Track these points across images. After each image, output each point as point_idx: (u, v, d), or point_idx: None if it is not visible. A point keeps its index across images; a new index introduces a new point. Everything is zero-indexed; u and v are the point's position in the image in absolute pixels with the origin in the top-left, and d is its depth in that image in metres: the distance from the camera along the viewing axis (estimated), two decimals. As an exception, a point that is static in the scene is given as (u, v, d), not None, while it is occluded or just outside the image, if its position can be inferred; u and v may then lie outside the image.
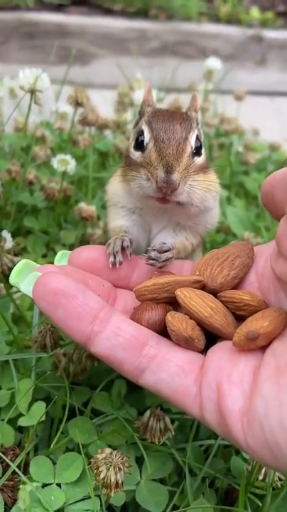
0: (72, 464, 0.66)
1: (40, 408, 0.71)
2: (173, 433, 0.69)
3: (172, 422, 0.71)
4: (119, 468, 0.58)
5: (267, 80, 3.16)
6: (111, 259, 0.69)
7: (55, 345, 0.72)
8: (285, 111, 2.88)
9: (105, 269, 0.70)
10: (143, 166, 0.67)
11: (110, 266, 0.69)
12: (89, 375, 0.79)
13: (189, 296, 0.60)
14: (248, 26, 3.21)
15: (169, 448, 0.72)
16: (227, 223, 1.22)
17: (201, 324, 0.60)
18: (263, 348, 0.55)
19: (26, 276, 0.64)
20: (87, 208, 1.10)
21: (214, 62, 1.60)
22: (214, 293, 0.63)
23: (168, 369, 0.56)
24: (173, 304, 0.63)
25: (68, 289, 0.57)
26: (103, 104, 1.91)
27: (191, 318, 0.61)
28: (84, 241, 1.13)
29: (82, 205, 1.11)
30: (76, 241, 1.12)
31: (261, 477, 0.70)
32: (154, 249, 0.69)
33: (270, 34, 3.18)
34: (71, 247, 1.13)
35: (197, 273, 0.65)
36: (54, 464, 0.67)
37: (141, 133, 0.70)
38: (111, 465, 0.58)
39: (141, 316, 0.62)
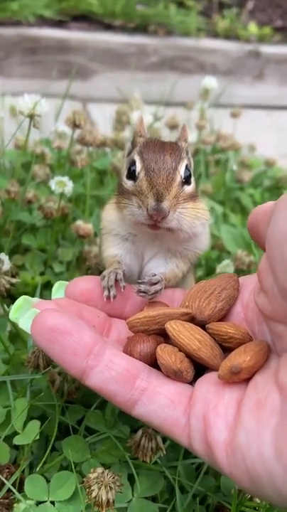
0: (66, 483, 0.67)
1: (34, 427, 0.72)
2: (165, 452, 0.71)
3: (164, 440, 0.73)
4: (110, 487, 0.60)
5: (265, 94, 3.21)
6: (106, 293, 0.73)
7: (48, 365, 0.75)
8: (283, 125, 2.92)
9: (100, 299, 0.74)
10: (135, 195, 0.71)
11: (105, 299, 0.73)
12: (83, 394, 0.81)
13: (178, 330, 0.64)
14: (246, 41, 3.27)
15: (160, 466, 0.73)
16: (221, 240, 1.25)
17: (190, 356, 0.63)
18: (247, 380, 0.58)
19: (25, 313, 0.67)
20: (84, 225, 1.13)
21: (210, 81, 1.64)
22: (203, 324, 0.67)
23: (158, 401, 0.59)
24: (164, 334, 0.67)
25: (64, 326, 0.60)
26: (102, 119, 1.95)
27: (180, 351, 0.64)
28: (81, 258, 1.16)
29: (79, 223, 1.14)
30: (73, 258, 1.15)
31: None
32: (144, 282, 0.73)
33: (267, 49, 3.24)
34: (68, 265, 1.16)
35: (187, 304, 0.69)
36: (48, 481, 0.69)
37: (132, 163, 0.73)
38: (102, 484, 0.60)
39: (133, 348, 0.65)
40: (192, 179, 0.76)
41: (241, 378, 0.58)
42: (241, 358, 0.58)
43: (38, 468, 0.73)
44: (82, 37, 3.04)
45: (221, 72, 3.14)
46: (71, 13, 3.09)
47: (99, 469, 0.62)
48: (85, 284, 0.75)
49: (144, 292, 0.72)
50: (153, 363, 0.65)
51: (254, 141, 2.06)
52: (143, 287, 0.72)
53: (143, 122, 0.81)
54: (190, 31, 3.19)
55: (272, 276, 0.58)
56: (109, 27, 3.17)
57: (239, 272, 1.12)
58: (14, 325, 0.92)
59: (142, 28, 3.18)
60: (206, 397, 0.58)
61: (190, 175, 0.75)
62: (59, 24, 3.06)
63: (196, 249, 0.81)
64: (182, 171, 0.73)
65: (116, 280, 0.74)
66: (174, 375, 0.62)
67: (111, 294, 0.73)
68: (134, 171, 0.73)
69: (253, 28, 3.36)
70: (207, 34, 3.28)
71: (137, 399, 0.60)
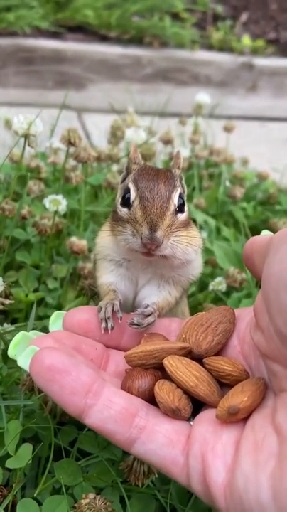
0: (58, 507, 0.67)
1: (27, 450, 0.72)
2: (157, 475, 0.71)
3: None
4: (102, 514, 0.60)
5: (258, 105, 3.24)
6: (103, 325, 0.73)
7: (43, 388, 0.74)
8: (275, 136, 2.95)
9: (97, 330, 0.74)
10: (129, 223, 0.72)
11: (102, 332, 0.73)
12: (77, 415, 0.81)
13: (175, 366, 0.65)
14: (239, 54, 3.31)
15: (152, 489, 0.74)
16: (215, 256, 1.26)
17: (187, 393, 0.64)
18: (245, 419, 0.59)
19: (23, 349, 0.67)
20: (78, 242, 1.13)
21: (203, 97, 1.66)
22: (200, 358, 0.68)
23: (156, 440, 0.60)
24: (162, 368, 0.67)
25: (62, 365, 0.60)
26: (97, 130, 1.96)
27: (178, 387, 0.64)
28: (75, 274, 1.16)
29: (74, 239, 1.15)
30: (67, 274, 1.15)
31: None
32: (137, 314, 0.74)
33: (261, 61, 3.28)
34: (62, 281, 1.16)
35: (183, 336, 0.70)
36: (40, 504, 0.69)
37: (127, 190, 0.74)
38: (94, 510, 0.60)
39: (132, 384, 0.66)
40: (185, 207, 0.77)
41: (239, 418, 0.59)
42: (239, 398, 0.59)
43: (29, 491, 0.73)
44: (78, 48, 3.06)
45: (215, 84, 3.18)
46: (67, 25, 3.11)
47: (91, 495, 0.62)
48: (83, 315, 0.76)
49: (137, 325, 0.73)
50: (151, 398, 0.65)
51: (247, 152, 2.08)
52: (135, 320, 0.73)
53: (137, 150, 0.82)
54: (185, 43, 3.22)
55: (268, 317, 0.58)
56: (104, 38, 3.20)
57: (231, 289, 1.13)
58: (7, 343, 0.92)
59: (137, 40, 3.21)
60: (204, 436, 0.59)
61: (183, 203, 0.76)
62: (55, 35, 3.08)
63: (189, 275, 0.82)
64: (175, 199, 0.74)
65: (113, 311, 0.74)
66: (172, 413, 0.62)
67: (109, 325, 0.73)
68: (128, 198, 0.73)
69: (246, 40, 3.41)
70: (202, 46, 3.32)
71: (135, 438, 0.60)
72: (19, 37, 2.97)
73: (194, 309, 1.01)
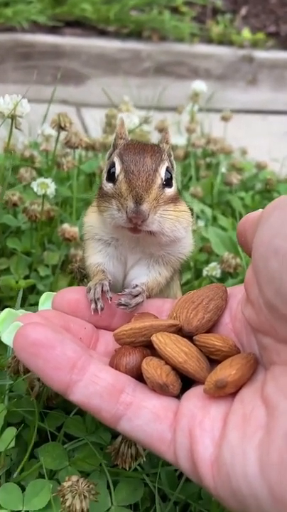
0: (41, 491, 0.65)
1: (10, 433, 0.71)
2: (145, 459, 0.69)
3: (145, 446, 0.71)
4: (85, 496, 0.58)
5: (258, 99, 3.21)
6: (93, 305, 0.71)
7: (28, 371, 0.73)
8: (275, 129, 2.92)
9: (87, 310, 0.72)
10: (115, 197, 0.69)
11: (92, 313, 0.71)
12: (63, 400, 0.79)
13: (164, 342, 0.62)
14: (239, 47, 3.28)
15: (141, 473, 0.71)
16: (210, 243, 1.23)
17: (176, 369, 0.62)
18: (234, 394, 0.57)
19: (8, 326, 0.65)
20: (69, 228, 1.11)
21: (200, 85, 1.63)
22: (190, 336, 0.65)
23: (143, 416, 0.58)
24: (151, 346, 0.65)
25: (46, 340, 0.58)
26: (95, 124, 1.94)
27: (167, 363, 0.62)
28: (67, 262, 1.14)
29: (65, 226, 1.13)
30: (59, 262, 1.13)
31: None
32: (125, 295, 0.71)
33: (261, 54, 3.25)
34: (54, 268, 1.14)
35: (174, 315, 0.68)
36: (24, 490, 0.67)
37: (112, 165, 0.72)
38: (76, 493, 0.58)
39: (119, 361, 0.64)
40: (174, 182, 0.74)
41: (227, 392, 0.57)
42: (227, 371, 0.57)
43: (15, 476, 0.71)
44: (76, 42, 3.05)
45: (215, 77, 3.16)
46: (65, 19, 3.10)
47: (74, 477, 0.60)
48: (72, 294, 0.73)
49: (125, 305, 0.71)
50: (139, 376, 0.63)
51: (247, 145, 2.05)
52: (123, 300, 0.71)
53: (123, 124, 0.79)
54: (184, 37, 3.20)
55: (257, 288, 0.57)
56: (102, 33, 3.18)
57: (226, 274, 1.11)
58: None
59: (136, 34, 3.19)
60: (192, 411, 0.57)
61: (171, 177, 0.73)
62: (53, 30, 3.07)
63: (179, 253, 0.79)
64: (162, 173, 0.71)
65: (102, 292, 0.72)
66: (160, 389, 0.60)
67: (99, 306, 0.71)
68: (114, 173, 0.71)
69: (246, 33, 3.38)
70: (201, 40, 3.30)
71: (122, 414, 0.58)
72: (17, 32, 2.96)
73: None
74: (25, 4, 2.93)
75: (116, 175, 0.70)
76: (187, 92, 1.99)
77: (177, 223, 0.73)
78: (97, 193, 0.78)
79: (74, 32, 3.12)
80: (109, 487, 0.70)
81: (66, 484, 0.59)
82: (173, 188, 0.74)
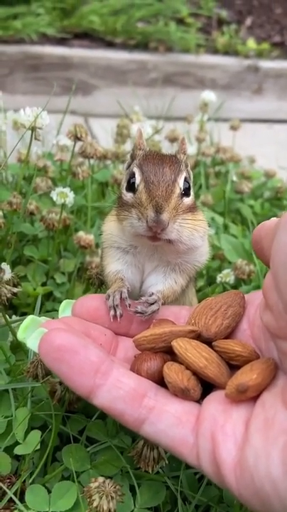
0: (67, 493, 0.67)
1: (35, 437, 0.72)
2: (167, 461, 0.70)
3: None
4: (112, 497, 0.59)
5: (264, 108, 3.25)
6: (112, 312, 0.73)
7: (46, 375, 0.74)
8: (282, 138, 2.95)
9: (106, 317, 0.74)
10: (135, 207, 0.71)
11: (111, 320, 0.73)
12: (85, 404, 0.81)
13: (185, 347, 0.64)
14: (245, 57, 3.32)
15: (162, 476, 0.73)
16: (222, 251, 1.25)
17: (197, 374, 0.63)
18: (255, 398, 0.58)
19: (32, 332, 0.67)
20: (85, 236, 1.14)
21: (209, 95, 1.66)
22: (209, 342, 0.67)
23: (165, 420, 0.59)
24: (171, 352, 0.66)
25: (71, 345, 0.60)
26: (103, 134, 1.98)
27: (187, 369, 0.64)
28: (82, 269, 1.17)
29: (81, 233, 1.15)
30: (75, 269, 1.15)
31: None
32: (141, 302, 0.73)
33: (266, 64, 3.29)
34: (70, 275, 1.16)
35: (193, 321, 0.69)
36: (49, 492, 0.69)
37: (132, 175, 0.74)
38: (103, 494, 0.59)
39: (140, 366, 0.65)
40: (191, 191, 0.77)
41: (249, 397, 0.58)
42: (248, 376, 0.58)
43: (38, 479, 0.72)
44: (84, 54, 3.10)
45: (221, 87, 3.19)
46: (73, 31, 3.15)
47: (100, 479, 0.61)
48: (92, 302, 0.75)
49: (141, 313, 0.72)
50: (160, 381, 0.65)
51: (254, 154, 2.07)
52: (140, 308, 0.72)
53: (142, 135, 0.82)
54: (190, 47, 3.24)
55: (277, 294, 0.58)
56: (110, 44, 3.23)
57: (240, 281, 1.12)
58: (16, 335, 0.92)
59: (143, 45, 3.24)
60: (214, 416, 0.58)
61: (189, 187, 0.75)
62: (61, 42, 3.12)
63: (195, 262, 0.81)
64: (181, 182, 0.73)
65: (121, 299, 0.74)
66: (181, 394, 0.62)
67: (118, 313, 0.73)
68: (133, 183, 0.73)
69: (251, 43, 3.42)
70: (207, 50, 3.34)
71: (144, 418, 0.59)
72: (26, 44, 3.01)
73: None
74: (34, 17, 2.99)
75: (136, 185, 0.73)
76: (193, 102, 2.02)
77: (194, 232, 0.75)
78: (116, 202, 0.80)
79: (82, 43, 3.18)
80: (131, 490, 0.71)
81: (93, 485, 0.60)
82: (191, 197, 0.76)
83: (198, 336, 0.68)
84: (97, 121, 2.87)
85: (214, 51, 3.37)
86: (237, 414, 0.57)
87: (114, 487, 0.60)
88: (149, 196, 0.69)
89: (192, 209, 0.76)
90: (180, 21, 3.47)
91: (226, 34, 3.49)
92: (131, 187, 0.73)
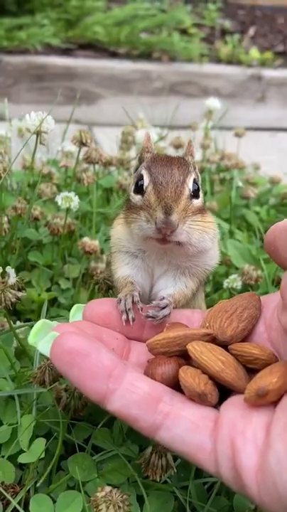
0: (72, 502, 0.65)
1: (40, 445, 0.70)
2: (175, 470, 0.68)
3: (175, 458, 0.70)
4: (119, 507, 0.57)
5: (267, 116, 3.26)
6: (124, 316, 0.71)
7: (54, 381, 0.73)
8: (285, 145, 2.95)
9: (118, 322, 0.72)
10: (143, 209, 0.70)
11: (124, 324, 0.71)
12: (91, 411, 0.79)
13: (200, 351, 0.62)
14: (248, 66, 3.34)
15: (171, 486, 0.70)
16: (228, 256, 1.24)
17: (213, 378, 0.61)
18: (275, 403, 0.56)
19: (44, 336, 0.66)
20: (90, 242, 1.12)
21: (213, 102, 1.66)
22: (225, 345, 0.65)
23: (182, 425, 0.57)
24: (185, 356, 0.65)
25: (82, 348, 0.58)
26: (108, 142, 1.98)
27: (203, 373, 0.61)
28: (87, 275, 1.15)
29: (86, 239, 1.14)
30: (79, 275, 1.14)
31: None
32: (152, 307, 0.72)
33: (269, 73, 3.31)
34: (75, 281, 1.15)
35: (207, 324, 0.67)
36: (54, 501, 0.67)
37: (140, 177, 0.73)
38: (110, 503, 0.57)
39: (155, 371, 0.63)
40: (201, 193, 0.75)
41: (269, 401, 0.56)
42: (268, 379, 0.55)
43: (43, 488, 0.70)
44: (88, 64, 3.13)
45: (224, 96, 3.21)
46: (77, 42, 3.19)
47: (107, 488, 0.59)
48: (102, 306, 0.74)
49: (152, 317, 0.71)
50: (175, 385, 0.62)
51: (258, 161, 2.07)
52: (151, 312, 0.71)
53: (150, 138, 0.81)
54: (193, 57, 3.27)
55: None
56: (114, 54, 3.26)
57: (247, 287, 1.11)
58: (20, 341, 0.90)
59: (146, 55, 3.27)
60: (233, 421, 0.56)
61: (198, 188, 0.74)
62: (66, 52, 3.15)
63: (205, 265, 0.79)
64: (190, 184, 0.72)
65: (133, 303, 0.72)
66: (198, 398, 0.59)
67: (130, 317, 0.71)
68: (142, 185, 0.72)
69: (255, 53, 3.45)
70: (210, 60, 3.36)
71: (160, 423, 0.57)
72: (31, 54, 3.05)
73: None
74: (38, 27, 3.02)
75: (144, 187, 0.71)
76: (197, 110, 2.02)
77: (204, 234, 0.73)
78: (124, 205, 0.79)
79: (87, 54, 3.20)
80: (139, 500, 0.69)
81: (99, 494, 0.58)
82: (200, 199, 0.74)
83: (213, 340, 0.66)
84: (101, 130, 2.88)
85: (218, 61, 3.40)
86: (257, 419, 0.55)
87: (121, 496, 0.58)
88: (158, 198, 0.68)
89: (201, 211, 0.74)
90: (184, 32, 3.50)
91: (229, 44, 3.51)
92: (140, 189, 0.72)
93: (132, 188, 0.75)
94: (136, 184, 0.73)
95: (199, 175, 0.79)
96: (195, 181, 0.73)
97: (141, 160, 0.78)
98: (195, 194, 0.72)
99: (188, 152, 0.80)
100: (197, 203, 0.73)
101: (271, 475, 0.49)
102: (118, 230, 0.80)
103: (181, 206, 0.68)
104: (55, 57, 3.07)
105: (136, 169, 0.79)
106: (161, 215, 0.66)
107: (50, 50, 3.09)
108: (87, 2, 3.28)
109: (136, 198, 0.73)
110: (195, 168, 0.77)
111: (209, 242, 0.76)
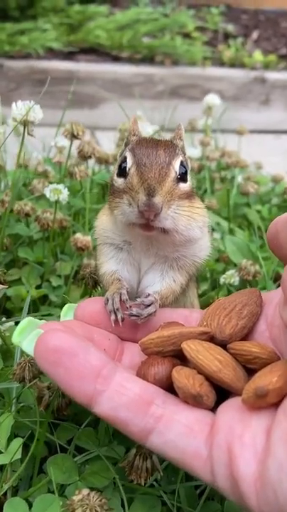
0: (49, 507, 0.60)
1: (17, 444, 0.66)
2: (162, 473, 0.63)
3: (161, 460, 0.65)
4: (96, 511, 0.53)
5: (271, 119, 3.22)
6: (113, 317, 0.67)
7: (34, 378, 0.69)
8: (290, 147, 2.91)
9: (109, 321, 0.67)
10: (126, 192, 0.66)
11: (113, 324, 0.67)
12: (75, 411, 0.75)
13: (196, 350, 0.57)
14: (251, 69, 3.31)
15: (158, 490, 0.66)
16: (227, 253, 1.19)
17: (210, 379, 0.56)
18: (276, 405, 0.51)
19: (29, 335, 0.62)
20: (82, 238, 1.09)
21: (213, 99, 1.63)
22: (223, 344, 0.60)
23: (175, 430, 0.52)
24: (181, 357, 0.60)
25: (69, 346, 0.54)
26: (110, 146, 1.96)
27: (199, 373, 0.57)
28: (79, 272, 1.11)
29: (78, 235, 1.10)
30: (72, 272, 1.10)
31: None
32: (136, 304, 0.67)
33: (273, 75, 3.27)
34: (67, 278, 1.11)
35: (205, 323, 0.63)
36: (31, 506, 0.62)
37: (123, 160, 0.69)
38: (87, 508, 0.53)
39: (147, 371, 0.59)
40: (189, 177, 0.71)
41: (269, 402, 0.51)
42: (267, 379, 0.51)
43: (22, 492, 0.66)
44: (91, 68, 3.12)
45: (228, 99, 3.17)
46: (79, 46, 3.18)
47: (85, 491, 0.55)
48: (94, 305, 0.69)
49: (136, 316, 0.66)
50: (169, 387, 0.58)
51: (262, 163, 2.03)
52: (135, 311, 0.66)
53: (136, 121, 0.77)
54: (196, 60, 3.25)
55: None
56: (116, 58, 3.25)
57: (245, 283, 1.06)
58: (5, 339, 0.86)
59: (149, 59, 3.26)
60: (230, 425, 0.51)
61: (185, 172, 0.69)
62: (68, 56, 3.15)
63: (194, 256, 0.74)
64: (176, 166, 0.68)
65: (121, 301, 0.68)
66: (193, 400, 0.55)
67: (119, 316, 0.67)
68: (125, 167, 0.68)
69: (258, 55, 3.42)
70: (213, 63, 3.34)
71: (152, 428, 0.53)
72: (33, 59, 3.05)
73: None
74: (40, 32, 3.02)
75: (127, 169, 0.67)
76: (200, 113, 2.00)
77: (192, 221, 0.68)
78: (109, 191, 0.75)
79: (89, 58, 3.20)
80: (123, 505, 0.64)
81: (76, 498, 0.54)
82: (188, 183, 0.70)
83: (211, 339, 0.61)
84: (104, 134, 2.86)
85: (221, 64, 3.38)
86: (257, 422, 0.50)
87: (100, 500, 0.54)
88: (141, 179, 0.63)
89: (189, 196, 0.69)
90: (186, 36, 3.49)
91: (232, 47, 3.49)
92: (123, 172, 0.68)
93: (115, 171, 0.71)
94: (120, 167, 0.69)
95: (188, 160, 0.74)
96: (182, 164, 0.69)
97: (126, 144, 0.75)
98: (182, 177, 0.68)
99: (177, 135, 0.76)
100: (184, 187, 0.68)
101: (271, 483, 0.44)
102: (103, 220, 0.76)
103: (165, 188, 0.64)
104: (57, 62, 3.07)
105: (122, 153, 0.75)
106: (143, 197, 0.62)
107: (52, 54, 3.09)
108: (89, 7, 3.29)
109: (119, 181, 0.69)
110: (183, 152, 0.73)
111: (198, 230, 0.70)
